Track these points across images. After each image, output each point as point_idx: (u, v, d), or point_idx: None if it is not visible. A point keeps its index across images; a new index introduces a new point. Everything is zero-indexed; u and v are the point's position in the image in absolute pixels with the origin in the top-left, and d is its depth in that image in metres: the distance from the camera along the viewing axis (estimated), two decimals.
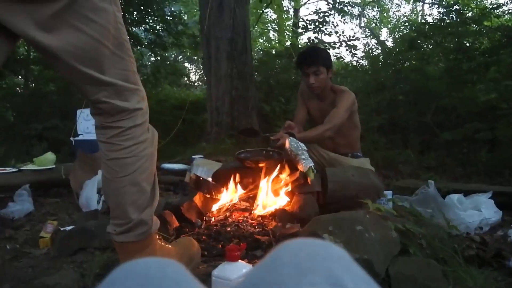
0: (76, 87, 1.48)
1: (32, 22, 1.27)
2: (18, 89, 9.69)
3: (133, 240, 1.56)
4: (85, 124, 5.54)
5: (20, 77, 9.50)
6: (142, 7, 10.48)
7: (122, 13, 1.50)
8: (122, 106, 1.48)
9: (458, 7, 6.90)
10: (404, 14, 21.64)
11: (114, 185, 1.54)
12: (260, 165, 2.85)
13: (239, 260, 1.50)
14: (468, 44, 6.44)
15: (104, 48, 1.40)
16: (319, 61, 3.15)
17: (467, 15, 6.91)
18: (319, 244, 0.56)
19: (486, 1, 13.75)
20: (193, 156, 4.29)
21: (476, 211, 2.73)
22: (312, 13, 9.40)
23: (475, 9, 8.60)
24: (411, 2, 19.41)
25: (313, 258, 0.52)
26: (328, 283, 0.47)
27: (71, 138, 5.29)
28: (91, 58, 1.38)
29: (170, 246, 1.81)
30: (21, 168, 3.57)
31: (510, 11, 8.39)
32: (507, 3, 7.57)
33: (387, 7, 21.63)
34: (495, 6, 7.08)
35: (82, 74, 1.39)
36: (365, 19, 21.74)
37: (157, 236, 1.76)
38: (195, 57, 17.39)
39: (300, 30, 10.18)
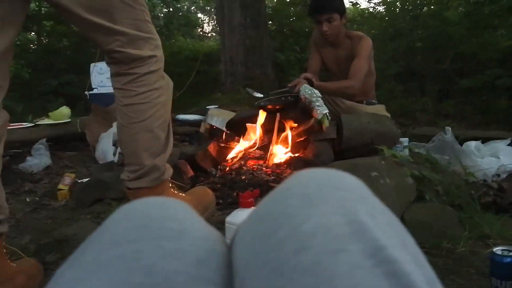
0: (90, 38, 1.51)
1: None
2: (31, 45, 9.59)
3: (146, 186, 1.58)
4: (99, 78, 5.52)
5: (33, 33, 9.38)
6: None
7: None
8: (136, 54, 1.50)
9: None
10: None
11: (128, 131, 1.56)
12: (277, 107, 2.80)
13: (253, 207, 1.50)
14: None
15: None
16: (331, 7, 3.03)
17: None
18: (331, 174, 0.52)
19: None
20: (207, 107, 4.27)
21: (494, 158, 2.68)
22: None
23: None
24: None
25: (324, 188, 0.48)
26: (340, 214, 0.43)
27: (86, 92, 5.29)
28: (101, 8, 1.41)
29: (184, 195, 1.82)
30: (37, 123, 3.59)
31: None
32: None
33: None
34: None
35: (93, 25, 1.42)
36: None
37: (171, 185, 1.77)
38: (208, 7, 17.08)
39: None
